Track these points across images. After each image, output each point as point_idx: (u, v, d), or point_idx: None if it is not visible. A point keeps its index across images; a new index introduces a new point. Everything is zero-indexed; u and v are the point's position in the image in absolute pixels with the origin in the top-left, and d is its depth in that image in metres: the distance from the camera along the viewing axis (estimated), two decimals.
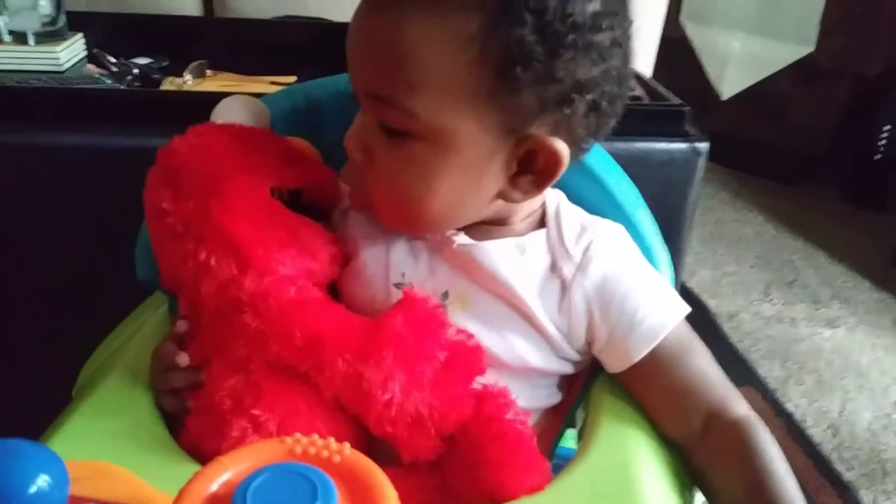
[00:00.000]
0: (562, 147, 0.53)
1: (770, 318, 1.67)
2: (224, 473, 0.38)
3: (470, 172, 0.53)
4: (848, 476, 1.24)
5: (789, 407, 1.39)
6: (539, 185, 0.55)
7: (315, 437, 0.37)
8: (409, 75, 0.49)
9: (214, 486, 0.37)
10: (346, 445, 0.38)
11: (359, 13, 0.52)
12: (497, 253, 0.57)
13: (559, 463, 0.53)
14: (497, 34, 0.48)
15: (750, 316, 1.67)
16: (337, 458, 0.37)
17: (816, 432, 1.33)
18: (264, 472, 0.37)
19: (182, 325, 0.56)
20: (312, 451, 0.37)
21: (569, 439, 0.66)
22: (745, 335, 1.60)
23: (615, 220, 0.63)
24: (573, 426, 0.66)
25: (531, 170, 0.54)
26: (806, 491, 1.22)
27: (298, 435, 0.37)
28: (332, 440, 0.37)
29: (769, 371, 1.48)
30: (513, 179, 0.55)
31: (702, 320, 1.68)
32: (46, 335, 0.98)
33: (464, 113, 0.51)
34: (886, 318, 1.70)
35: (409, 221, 0.58)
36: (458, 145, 0.52)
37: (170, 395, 0.55)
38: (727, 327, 1.63)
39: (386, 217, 0.58)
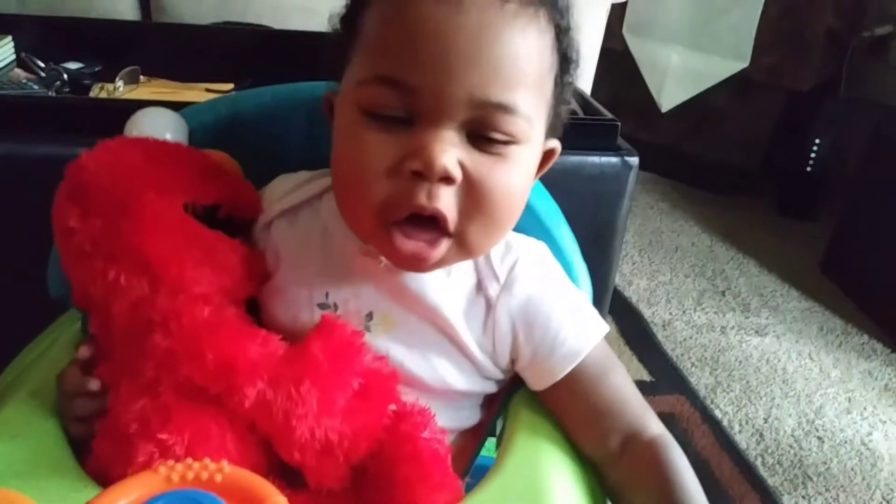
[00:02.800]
0: (557, 146, 0.59)
1: (702, 326, 1.71)
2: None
3: (533, 177, 0.57)
4: (771, 482, 1.28)
5: (717, 414, 1.42)
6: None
7: (189, 459, 0.37)
8: (528, 83, 0.51)
9: None
10: (224, 463, 0.38)
11: (448, 18, 0.48)
12: (424, 274, 0.57)
13: (471, 483, 0.54)
14: (560, 43, 0.54)
15: (683, 324, 1.72)
16: (218, 477, 0.38)
17: (742, 438, 1.37)
18: (156, 501, 0.36)
19: (84, 351, 0.55)
20: (190, 475, 0.37)
21: (488, 448, 0.67)
22: (678, 343, 1.64)
23: (536, 235, 0.64)
24: (493, 435, 0.67)
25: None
26: (730, 497, 1.26)
27: (171, 462, 0.37)
28: (207, 460, 0.37)
29: (699, 378, 1.52)
30: None
31: (637, 328, 1.72)
32: None
33: (542, 117, 0.54)
34: (812, 326, 1.76)
35: (500, 235, 0.56)
36: (536, 149, 0.55)
37: (76, 421, 0.54)
38: (661, 335, 1.66)
39: (478, 241, 0.53)
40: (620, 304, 1.76)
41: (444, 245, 0.52)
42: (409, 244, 0.51)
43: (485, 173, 0.50)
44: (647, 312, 1.75)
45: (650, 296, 1.82)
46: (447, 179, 0.49)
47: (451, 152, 0.49)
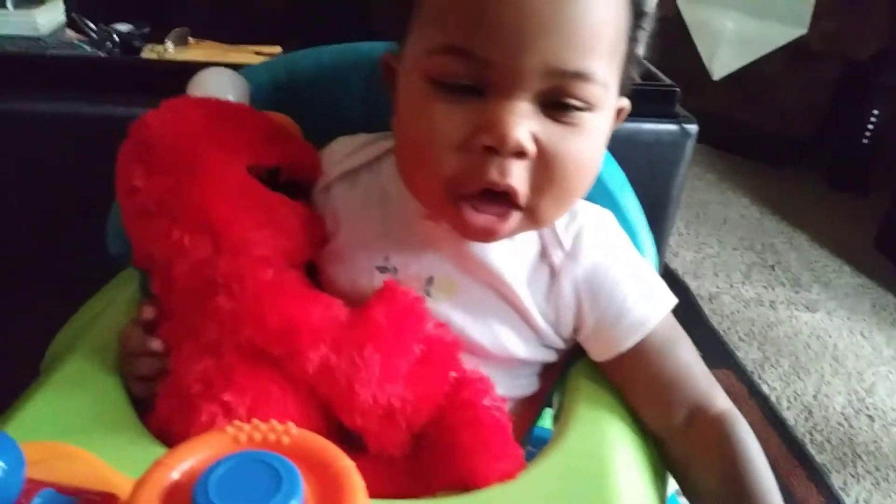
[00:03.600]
0: (627, 104, 0.56)
1: (750, 300, 1.68)
2: (183, 463, 0.37)
3: (605, 143, 0.54)
4: (820, 459, 1.25)
5: (765, 389, 1.40)
6: None
7: (255, 421, 0.37)
8: (605, 47, 0.48)
9: (175, 475, 0.37)
10: (291, 425, 0.37)
11: None
12: None
13: (533, 451, 0.53)
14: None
15: (730, 298, 1.68)
16: (286, 440, 0.37)
17: (790, 415, 1.35)
18: (227, 462, 0.36)
19: (148, 312, 0.55)
20: (258, 436, 0.37)
21: (544, 418, 0.66)
22: (725, 317, 1.61)
23: (602, 203, 0.62)
24: (549, 406, 0.66)
25: None
26: (778, 474, 1.23)
27: (237, 422, 0.37)
28: (274, 422, 0.37)
29: (747, 353, 1.49)
30: None
31: (682, 301, 1.67)
32: (17, 307, 0.97)
33: (616, 80, 0.51)
34: (865, 302, 1.71)
35: (571, 206, 0.54)
36: (609, 115, 0.52)
37: (138, 380, 0.54)
38: (707, 309, 1.64)
39: (549, 213, 0.51)
40: (665, 275, 1.72)
41: (515, 218, 0.50)
42: (480, 218, 0.50)
43: (559, 145, 0.48)
44: (693, 285, 1.72)
45: (697, 268, 1.79)
46: (520, 154, 0.47)
47: (524, 125, 0.47)
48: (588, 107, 0.48)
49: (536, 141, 0.48)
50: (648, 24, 0.54)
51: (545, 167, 0.48)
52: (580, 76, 0.47)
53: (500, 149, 0.46)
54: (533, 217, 0.51)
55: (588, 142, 0.50)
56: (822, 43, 2.10)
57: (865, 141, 2.16)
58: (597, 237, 0.58)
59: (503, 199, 0.49)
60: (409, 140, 0.52)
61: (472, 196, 0.49)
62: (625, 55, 0.52)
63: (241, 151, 0.54)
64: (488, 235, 0.51)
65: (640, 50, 0.55)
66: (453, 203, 0.50)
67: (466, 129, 0.47)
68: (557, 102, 0.48)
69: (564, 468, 0.50)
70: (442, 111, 0.48)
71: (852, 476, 1.23)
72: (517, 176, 0.48)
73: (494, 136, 0.46)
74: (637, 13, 0.52)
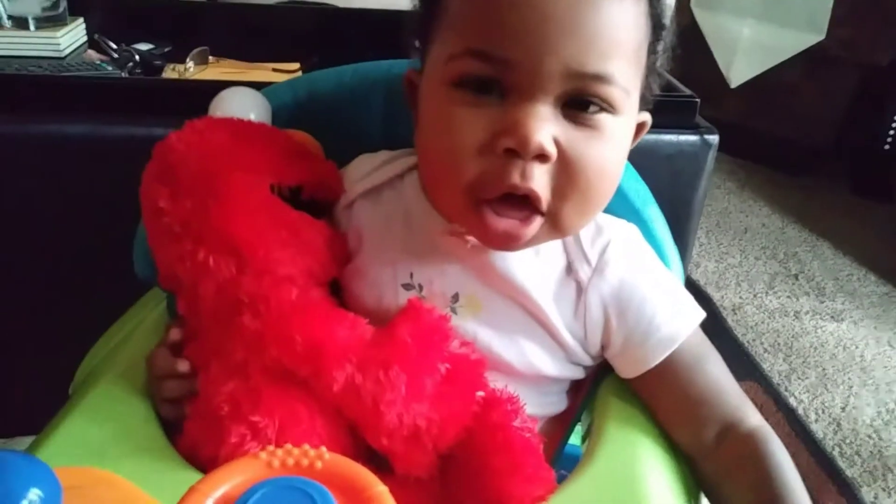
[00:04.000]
0: (648, 118, 0.56)
1: (774, 310, 1.66)
2: (217, 489, 0.37)
3: (627, 151, 0.54)
4: (850, 473, 1.23)
5: (792, 402, 1.38)
6: None
7: (288, 446, 0.37)
8: (624, 53, 0.48)
9: (210, 502, 0.36)
10: (324, 449, 0.37)
11: None
12: (512, 255, 0.55)
13: (563, 473, 0.52)
14: (654, 9, 0.51)
15: (754, 308, 1.66)
16: (318, 465, 0.37)
17: (819, 428, 1.32)
18: (261, 488, 0.36)
19: (175, 334, 0.55)
20: (291, 461, 0.37)
21: (574, 435, 0.65)
22: (749, 328, 1.59)
23: (626, 217, 0.62)
24: (577, 421, 0.65)
25: None
26: (808, 489, 1.22)
27: (271, 447, 0.36)
28: (306, 446, 0.37)
29: (772, 365, 1.47)
30: None
31: (706, 313, 1.66)
32: (44, 329, 0.97)
33: (637, 88, 0.51)
34: (891, 311, 1.69)
35: (593, 214, 0.54)
36: (630, 122, 0.52)
37: (166, 403, 0.54)
38: (731, 320, 1.62)
39: (571, 220, 0.51)
40: (688, 287, 1.70)
41: (537, 223, 0.50)
42: (502, 222, 0.49)
43: (580, 149, 0.48)
44: (715, 296, 1.70)
45: (719, 279, 1.77)
46: (542, 157, 0.47)
47: (545, 128, 0.46)
48: (608, 108, 0.48)
49: (557, 145, 0.47)
50: (668, 38, 0.54)
51: (566, 171, 0.48)
52: (600, 78, 0.47)
53: (522, 152, 0.46)
54: (555, 223, 0.50)
55: (609, 146, 0.49)
56: (841, 49, 2.08)
57: (886, 147, 2.13)
58: (623, 252, 0.57)
59: (525, 203, 0.49)
60: (431, 147, 0.52)
61: (493, 200, 0.49)
62: (645, 67, 0.52)
63: (264, 171, 0.54)
64: (510, 241, 0.51)
65: (660, 63, 0.55)
66: (475, 208, 0.49)
67: (488, 132, 0.47)
68: (579, 101, 0.48)
69: (596, 491, 0.49)
70: (463, 115, 0.48)
71: (883, 490, 1.20)
72: (539, 179, 0.48)
73: (516, 138, 0.46)
74: (656, 25, 0.52)
